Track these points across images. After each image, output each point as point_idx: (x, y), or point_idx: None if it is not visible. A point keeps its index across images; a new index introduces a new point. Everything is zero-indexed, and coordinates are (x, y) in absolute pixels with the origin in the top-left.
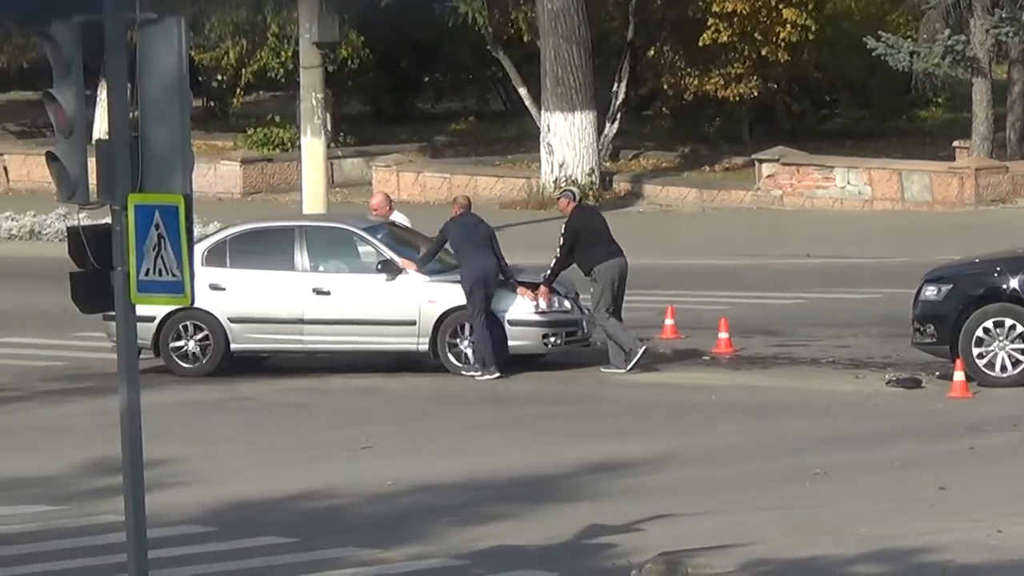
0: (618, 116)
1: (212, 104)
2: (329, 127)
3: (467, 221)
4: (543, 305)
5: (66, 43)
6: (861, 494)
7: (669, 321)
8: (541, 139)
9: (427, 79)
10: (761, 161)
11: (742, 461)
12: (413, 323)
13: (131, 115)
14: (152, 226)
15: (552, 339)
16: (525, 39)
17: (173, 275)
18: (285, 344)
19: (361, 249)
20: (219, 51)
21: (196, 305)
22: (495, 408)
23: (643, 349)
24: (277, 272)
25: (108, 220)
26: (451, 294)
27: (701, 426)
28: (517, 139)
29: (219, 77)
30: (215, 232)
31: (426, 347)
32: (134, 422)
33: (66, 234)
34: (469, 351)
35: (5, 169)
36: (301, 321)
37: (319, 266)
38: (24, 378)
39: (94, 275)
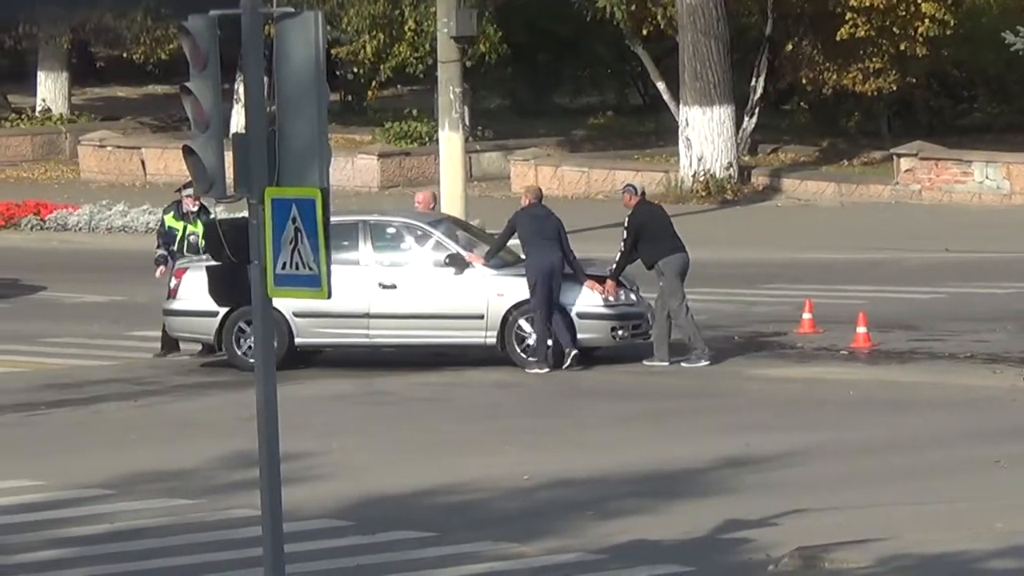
0: (756, 110)
1: (349, 98)
2: (467, 121)
3: (537, 212)
4: (611, 298)
5: (203, 37)
6: (997, 489)
7: (807, 315)
8: (679, 133)
9: (565, 73)
10: (899, 156)
11: (879, 456)
12: (481, 317)
13: (268, 109)
14: (289, 220)
15: (620, 332)
16: (664, 33)
17: (310, 269)
18: (350, 338)
19: (425, 244)
20: (356, 45)
21: None
22: (632, 402)
23: (700, 363)
24: (342, 267)
25: (245, 213)
26: (520, 288)
27: (838, 420)
28: (656, 133)
29: (356, 71)
30: None
31: (493, 341)
32: (270, 416)
33: (204, 229)
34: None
35: (143, 163)
36: (367, 315)
37: (384, 260)
38: (160, 372)
39: (231, 269)
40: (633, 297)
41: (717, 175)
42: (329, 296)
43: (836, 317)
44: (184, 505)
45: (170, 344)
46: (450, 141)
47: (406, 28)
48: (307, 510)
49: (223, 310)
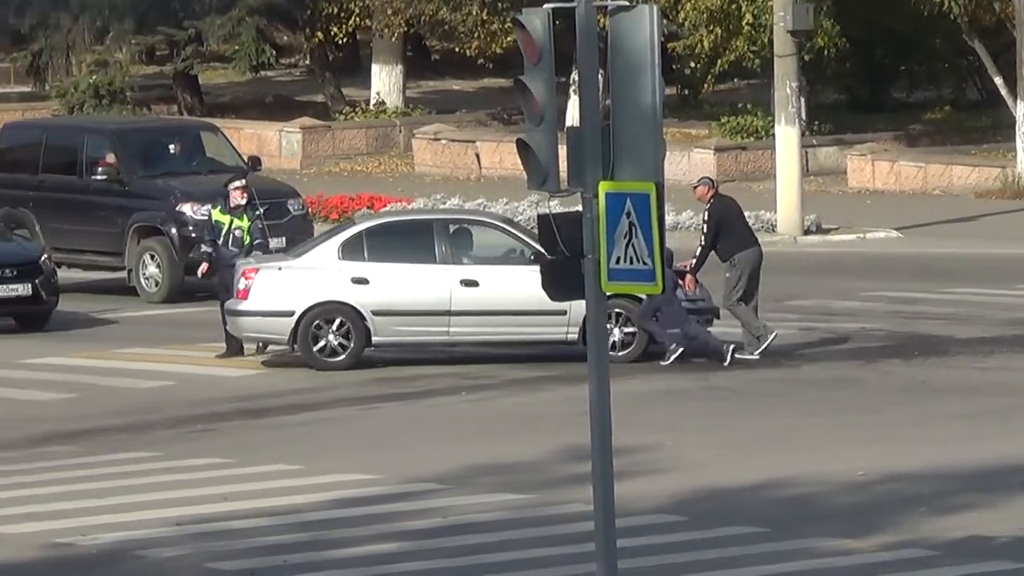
0: None
1: (686, 92)
2: (803, 116)
3: None
4: (690, 294)
5: (537, 30)
6: None
7: None
8: (1016, 128)
9: (902, 68)
10: None
11: None
12: (564, 312)
13: (603, 102)
14: (623, 214)
15: None
16: (1002, 27)
17: (644, 263)
18: (430, 336)
19: (503, 241)
20: (693, 39)
21: (337, 298)
22: (968, 399)
23: (773, 335)
24: (421, 265)
25: (579, 208)
26: None
27: None
28: (993, 128)
29: (692, 65)
30: (346, 226)
31: (576, 336)
32: (603, 410)
33: (537, 222)
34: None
35: (478, 156)
36: (448, 313)
37: (463, 258)
38: (493, 368)
39: (565, 263)
40: (707, 292)
41: None
42: (663, 291)
43: None
44: (517, 499)
45: (235, 347)
46: (786, 136)
47: (743, 22)
48: (640, 505)
49: (298, 310)
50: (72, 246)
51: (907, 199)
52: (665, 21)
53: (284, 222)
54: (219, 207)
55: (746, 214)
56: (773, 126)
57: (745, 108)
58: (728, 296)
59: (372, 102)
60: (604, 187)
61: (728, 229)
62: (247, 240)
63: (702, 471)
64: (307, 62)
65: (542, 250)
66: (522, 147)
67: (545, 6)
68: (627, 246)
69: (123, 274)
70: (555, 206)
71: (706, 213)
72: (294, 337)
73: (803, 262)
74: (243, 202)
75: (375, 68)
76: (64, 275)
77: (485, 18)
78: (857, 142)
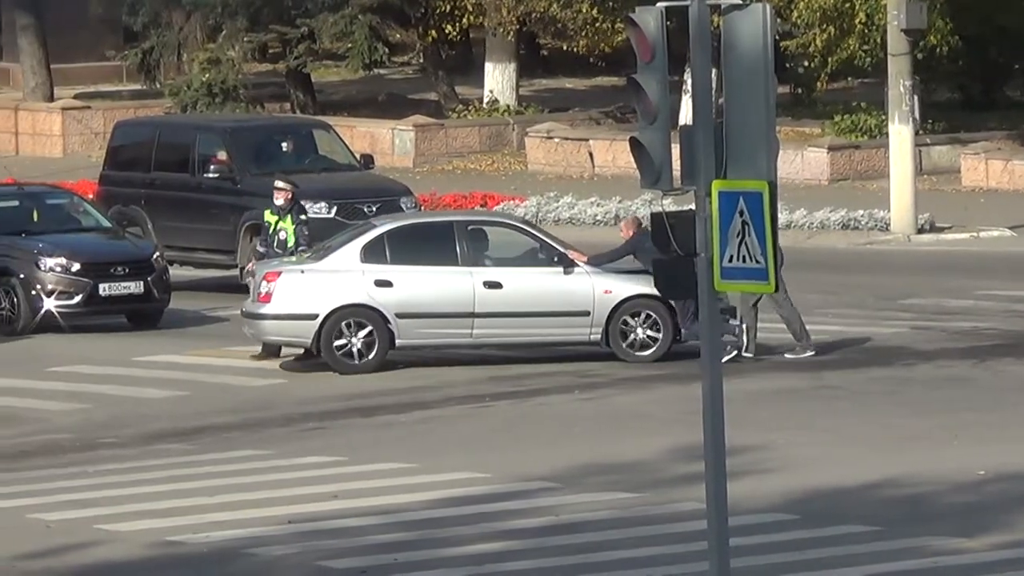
0: None
1: (799, 91)
2: (917, 114)
3: None
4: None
5: (650, 29)
6: None
7: None
8: None
9: (1016, 66)
10: None
11: None
12: (587, 313)
13: (716, 101)
14: (736, 212)
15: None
16: None
17: (757, 262)
18: (454, 338)
19: (524, 242)
20: (806, 38)
21: (360, 301)
22: None
23: (737, 353)
24: (444, 267)
25: (692, 206)
26: (625, 285)
27: None
28: None
29: (806, 64)
30: (368, 229)
31: (599, 337)
32: (716, 409)
33: (650, 220)
34: (640, 337)
35: (591, 155)
36: (472, 315)
37: (484, 260)
38: (605, 366)
39: (677, 261)
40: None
41: None
42: (776, 289)
43: None
44: (628, 498)
45: (271, 347)
46: (900, 134)
47: (856, 21)
48: (752, 504)
49: (322, 313)
50: (184, 244)
51: (1021, 198)
52: (778, 20)
53: None
54: (270, 208)
55: (859, 212)
56: (886, 125)
57: (858, 107)
58: (780, 299)
59: (485, 100)
60: (717, 186)
61: None
62: (290, 243)
63: (813, 470)
64: (420, 60)
65: (563, 251)
66: (635, 145)
67: (658, 4)
68: (740, 245)
69: (235, 272)
70: (668, 204)
71: None
72: (318, 340)
73: (917, 261)
74: (281, 203)
75: (488, 66)
76: (176, 273)
77: (595, 16)
78: (971, 141)
